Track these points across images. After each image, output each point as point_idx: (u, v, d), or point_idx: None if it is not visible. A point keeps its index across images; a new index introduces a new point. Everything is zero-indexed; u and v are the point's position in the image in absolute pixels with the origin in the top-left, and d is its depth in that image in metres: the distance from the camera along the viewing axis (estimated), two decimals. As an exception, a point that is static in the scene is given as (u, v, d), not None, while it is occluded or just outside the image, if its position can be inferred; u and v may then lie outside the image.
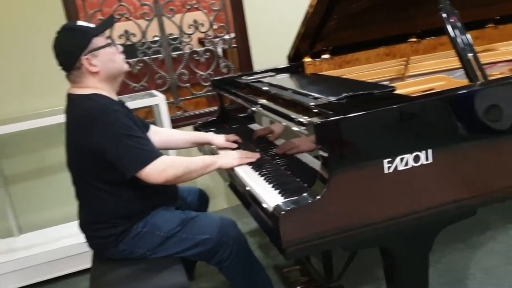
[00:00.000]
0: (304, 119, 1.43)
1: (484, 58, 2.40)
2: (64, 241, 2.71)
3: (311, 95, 1.73)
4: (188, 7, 3.15)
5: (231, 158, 1.81)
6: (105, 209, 1.72)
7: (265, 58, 3.23)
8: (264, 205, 1.45)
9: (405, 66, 2.41)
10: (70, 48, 1.68)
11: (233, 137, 2.10)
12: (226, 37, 3.30)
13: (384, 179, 1.33)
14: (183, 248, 1.74)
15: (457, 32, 1.52)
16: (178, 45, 3.22)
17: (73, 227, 2.11)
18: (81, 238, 1.85)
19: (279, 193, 1.50)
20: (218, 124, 2.58)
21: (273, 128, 2.01)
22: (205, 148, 2.28)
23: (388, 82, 2.34)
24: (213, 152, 2.15)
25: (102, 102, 1.67)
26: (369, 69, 2.50)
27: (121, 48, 1.78)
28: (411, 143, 1.34)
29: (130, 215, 1.74)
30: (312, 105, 1.55)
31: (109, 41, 1.75)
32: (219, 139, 2.10)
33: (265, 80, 2.31)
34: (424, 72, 2.34)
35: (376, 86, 1.81)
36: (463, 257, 2.33)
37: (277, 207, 1.32)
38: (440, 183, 1.38)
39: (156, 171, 1.62)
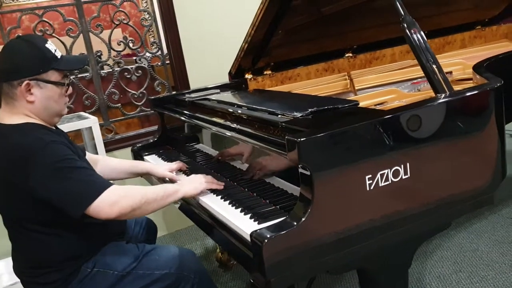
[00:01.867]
0: (279, 137, 1.34)
1: (420, 71, 2.49)
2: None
3: (272, 112, 1.64)
4: (117, 22, 2.95)
5: (195, 183, 1.64)
6: (46, 252, 1.50)
7: (201, 75, 3.12)
8: (239, 233, 1.33)
9: (350, 81, 2.41)
10: (21, 63, 1.45)
11: (176, 164, 1.93)
12: (158, 53, 3.14)
13: (367, 195, 1.26)
14: (140, 287, 1.55)
15: (420, 43, 1.51)
16: (107, 63, 3.01)
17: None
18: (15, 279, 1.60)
19: (251, 218, 1.38)
20: (160, 146, 2.42)
21: (232, 149, 1.89)
22: (152, 178, 2.10)
23: (337, 96, 2.33)
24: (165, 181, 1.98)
25: (35, 135, 1.43)
26: (314, 84, 2.48)
27: (70, 90, 1.58)
28: (391, 157, 1.29)
29: (76, 256, 1.52)
30: (282, 122, 1.46)
31: (64, 81, 1.53)
32: (160, 169, 1.90)
33: (212, 97, 2.20)
34: (371, 85, 2.36)
35: (339, 100, 1.77)
36: (416, 266, 2.34)
37: (257, 234, 1.20)
38: (419, 196, 1.35)
39: (107, 204, 1.40)
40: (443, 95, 1.45)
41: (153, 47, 3.12)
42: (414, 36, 1.53)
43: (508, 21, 3.07)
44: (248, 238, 1.27)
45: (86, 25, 2.84)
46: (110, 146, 2.93)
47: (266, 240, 1.16)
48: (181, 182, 1.70)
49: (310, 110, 1.53)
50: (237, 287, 2.44)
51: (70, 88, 1.59)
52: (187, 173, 1.91)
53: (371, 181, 1.27)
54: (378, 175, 1.27)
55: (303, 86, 2.46)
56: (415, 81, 2.34)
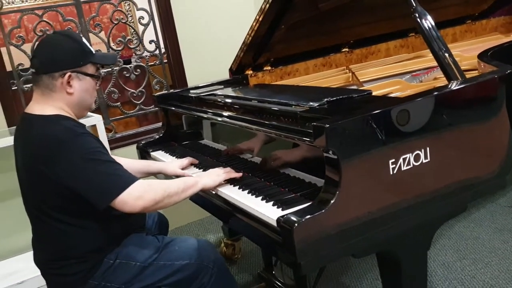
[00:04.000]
0: (300, 126, 1.37)
1: (418, 64, 2.56)
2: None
3: (285, 103, 1.67)
4: (116, 22, 2.95)
5: (214, 176, 1.66)
6: (69, 244, 1.50)
7: (199, 73, 3.14)
8: (264, 219, 1.36)
9: (352, 74, 2.46)
10: (62, 56, 1.50)
11: (187, 160, 1.94)
12: (156, 52, 3.14)
13: (390, 179, 1.30)
14: (161, 277, 1.57)
15: (432, 33, 1.56)
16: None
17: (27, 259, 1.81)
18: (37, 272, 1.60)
19: (273, 205, 1.41)
20: (165, 142, 2.42)
21: (242, 143, 1.90)
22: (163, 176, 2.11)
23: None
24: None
25: (66, 125, 1.46)
26: (314, 78, 2.52)
27: (99, 86, 1.64)
28: (413, 142, 1.33)
29: (100, 248, 1.53)
30: (300, 112, 1.49)
31: (98, 73, 1.59)
32: (172, 167, 1.90)
33: (218, 92, 2.22)
34: (375, 77, 2.40)
35: (351, 90, 1.81)
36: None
37: (286, 219, 1.23)
38: (439, 179, 1.39)
39: (132, 198, 1.42)
40: (457, 81, 1.49)
41: (150, 45, 3.12)
42: (426, 25, 1.58)
43: (497, 15, 3.16)
44: (274, 224, 1.30)
45: (85, 24, 2.83)
46: (111, 145, 2.92)
47: (296, 224, 1.19)
48: (199, 174, 1.72)
49: (325, 99, 1.57)
50: (243, 280, 2.46)
51: (98, 84, 1.63)
52: (199, 167, 1.93)
53: (394, 165, 1.30)
54: (401, 159, 1.31)
55: (303, 81, 2.49)
56: (414, 73, 2.39)
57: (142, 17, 3.01)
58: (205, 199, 1.76)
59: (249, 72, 2.51)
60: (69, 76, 1.50)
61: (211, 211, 1.75)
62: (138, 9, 2.97)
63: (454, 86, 1.45)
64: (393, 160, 1.30)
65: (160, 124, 3.11)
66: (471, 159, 1.47)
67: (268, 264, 2.30)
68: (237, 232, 2.56)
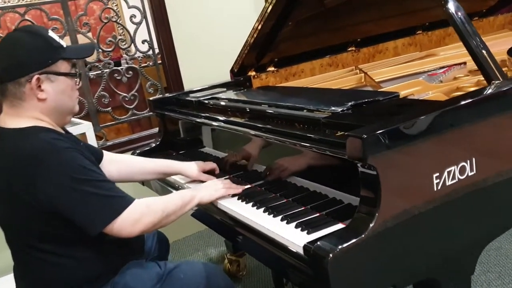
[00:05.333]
0: (327, 136, 1.19)
1: (433, 63, 2.39)
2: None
3: (300, 107, 1.48)
4: (105, 20, 2.74)
5: (212, 189, 1.48)
6: (58, 276, 1.30)
7: (196, 75, 2.94)
8: (287, 245, 1.16)
9: (364, 74, 2.28)
10: (25, 58, 1.26)
11: (209, 165, 1.73)
12: (149, 52, 2.93)
13: (435, 196, 1.12)
14: (166, 310, 1.37)
15: (467, 27, 1.38)
16: (96, 64, 2.79)
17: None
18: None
19: (297, 227, 1.21)
20: (162, 151, 2.22)
21: (249, 149, 1.71)
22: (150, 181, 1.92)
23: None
24: (170, 183, 1.80)
25: (45, 138, 1.24)
26: (321, 80, 2.35)
27: (80, 84, 1.40)
28: (457, 152, 1.15)
29: (92, 279, 1.33)
30: (323, 118, 1.30)
31: (74, 70, 1.36)
32: (192, 169, 1.69)
33: (221, 96, 2.03)
34: (391, 77, 2.23)
35: (376, 92, 1.62)
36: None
37: (318, 247, 1.04)
38: (486, 194, 1.21)
39: (129, 222, 1.24)
40: (499, 82, 1.32)
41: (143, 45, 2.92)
42: (460, 19, 1.40)
43: (504, 11, 3.02)
44: (301, 251, 1.12)
45: (73, 24, 2.62)
46: (102, 154, 2.71)
47: (331, 255, 1.00)
48: (197, 187, 1.53)
49: (349, 103, 1.38)
50: (250, 300, 2.27)
51: (80, 82, 1.41)
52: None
53: (438, 180, 1.12)
54: (445, 173, 1.13)
55: (311, 82, 2.32)
56: (430, 72, 2.23)
57: (134, 15, 2.80)
58: (210, 216, 1.57)
59: (252, 73, 2.33)
60: (38, 79, 1.26)
61: (219, 231, 1.55)
62: (129, 7, 2.76)
63: (503, 86, 1.27)
64: (437, 174, 1.12)
65: (154, 130, 2.93)
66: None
67: (279, 284, 2.10)
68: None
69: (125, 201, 1.26)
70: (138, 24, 2.82)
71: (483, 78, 1.86)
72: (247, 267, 2.47)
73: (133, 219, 1.25)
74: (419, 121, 1.09)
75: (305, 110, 1.46)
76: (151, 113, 2.87)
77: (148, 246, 1.71)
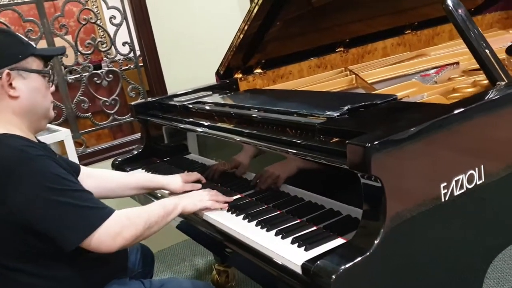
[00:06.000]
0: (322, 143, 1.09)
1: (424, 63, 2.32)
2: None
3: (292, 112, 1.39)
4: (84, 22, 2.61)
5: (196, 199, 1.39)
6: (31, 298, 1.18)
7: (179, 78, 2.84)
8: (283, 262, 1.07)
9: (355, 76, 2.20)
10: None
11: (194, 176, 1.64)
12: (131, 55, 2.81)
13: (443, 207, 1.04)
14: (151, 333, 1.27)
15: (470, 25, 1.30)
16: (75, 67, 2.66)
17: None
18: None
19: (293, 242, 1.12)
20: (145, 159, 2.11)
21: (238, 157, 1.61)
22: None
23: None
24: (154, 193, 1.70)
25: (15, 145, 1.14)
26: (311, 82, 2.27)
27: (53, 89, 1.32)
28: (465, 159, 1.07)
29: (72, 301, 1.22)
30: (318, 124, 1.21)
31: (47, 70, 1.28)
32: (175, 182, 1.59)
33: (207, 100, 1.92)
34: (381, 79, 2.15)
35: (372, 96, 1.54)
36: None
37: (320, 267, 0.95)
38: (497, 203, 1.13)
39: (109, 236, 1.15)
40: (503, 83, 1.24)
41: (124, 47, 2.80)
42: (461, 16, 1.32)
43: (492, 10, 2.99)
44: (298, 270, 1.02)
45: (49, 25, 2.49)
46: (82, 161, 2.58)
47: (334, 276, 0.91)
48: (179, 196, 1.44)
49: (345, 107, 1.29)
50: (240, 312, 2.17)
51: (53, 87, 1.33)
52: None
53: (446, 190, 1.04)
54: (453, 182, 1.05)
55: (300, 85, 2.24)
56: (423, 73, 2.16)
57: (114, 17, 2.68)
58: (196, 228, 1.47)
59: (239, 75, 2.24)
60: (8, 75, 1.18)
61: (206, 245, 1.45)
62: (109, 8, 2.64)
63: (506, 89, 1.19)
64: (445, 184, 1.04)
65: (137, 135, 2.81)
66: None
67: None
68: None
69: (104, 212, 1.16)
70: (119, 26, 2.70)
71: (480, 79, 1.83)
72: (237, 278, 2.37)
73: (113, 232, 1.15)
74: (426, 127, 1.00)
75: (297, 115, 1.36)
76: (133, 118, 2.77)
77: (131, 261, 1.60)
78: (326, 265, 0.94)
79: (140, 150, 2.13)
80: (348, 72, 2.31)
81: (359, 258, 0.93)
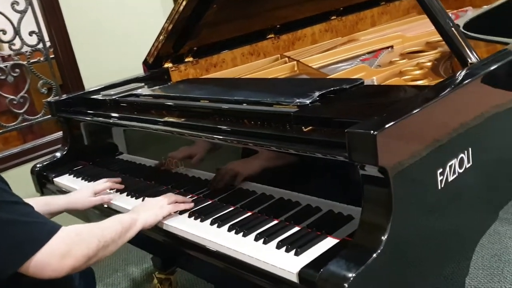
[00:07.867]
0: (304, 134, 0.97)
1: (359, 48, 2.30)
2: None
3: (257, 101, 1.26)
4: (-20, 8, 2.25)
5: (155, 208, 1.21)
6: None
7: (97, 71, 2.57)
8: (275, 272, 0.94)
9: (296, 62, 2.11)
10: None
11: (103, 184, 1.45)
12: (39, 46, 2.48)
13: (439, 195, 0.97)
14: None
15: (436, 5, 1.24)
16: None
17: None
18: None
19: (279, 247, 0.99)
20: (71, 163, 1.85)
21: (188, 152, 1.44)
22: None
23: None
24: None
25: None
26: (248, 70, 2.15)
27: None
28: (455, 142, 1.01)
29: None
30: (292, 112, 1.09)
31: None
32: (81, 197, 1.39)
33: (141, 92, 1.72)
34: (325, 64, 2.09)
35: (338, 80, 1.45)
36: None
37: (326, 275, 0.83)
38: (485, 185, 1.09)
39: (56, 256, 0.95)
40: (475, 62, 1.20)
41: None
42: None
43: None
44: (294, 279, 0.90)
45: None
46: (-12, 170, 2.25)
47: (346, 285, 0.79)
48: (135, 209, 1.24)
49: (316, 94, 1.18)
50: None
51: None
52: (131, 195, 1.43)
53: (442, 177, 0.97)
54: (447, 167, 0.98)
55: (236, 73, 2.12)
56: (361, 57, 2.13)
57: (17, 2, 2.34)
58: (150, 239, 1.28)
59: (169, 65, 2.05)
60: None
61: (163, 256, 1.27)
62: (9, -10, 2.30)
63: (490, 66, 1.15)
64: (441, 170, 0.97)
65: (51, 136, 2.51)
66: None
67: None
68: (172, 263, 2.07)
69: (49, 228, 0.97)
70: (23, 13, 2.37)
71: (423, 61, 1.83)
72: (179, 284, 2.19)
73: (61, 252, 0.96)
74: (427, 109, 0.92)
75: (262, 104, 1.23)
76: (48, 117, 2.46)
77: (75, 283, 1.38)
78: (334, 273, 0.82)
79: (64, 153, 1.86)
80: (286, 59, 2.21)
81: (370, 260, 0.82)
